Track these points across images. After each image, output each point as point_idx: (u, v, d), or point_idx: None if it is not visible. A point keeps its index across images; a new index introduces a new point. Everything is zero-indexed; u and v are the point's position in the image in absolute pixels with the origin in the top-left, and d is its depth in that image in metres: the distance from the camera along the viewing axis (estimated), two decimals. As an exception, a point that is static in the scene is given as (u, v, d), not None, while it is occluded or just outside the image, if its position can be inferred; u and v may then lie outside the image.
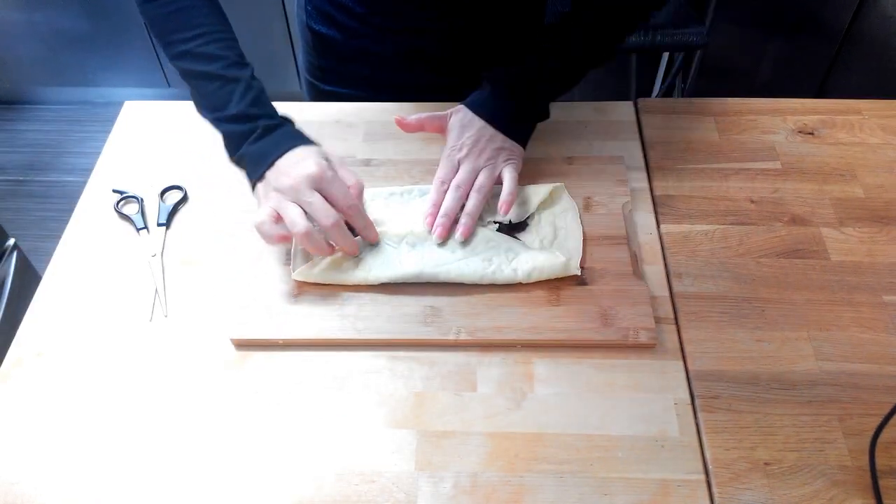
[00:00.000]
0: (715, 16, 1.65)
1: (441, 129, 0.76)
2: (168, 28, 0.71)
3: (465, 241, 0.70)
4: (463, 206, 0.71)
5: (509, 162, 0.73)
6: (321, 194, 0.65)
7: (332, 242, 0.67)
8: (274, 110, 0.71)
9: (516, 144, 0.75)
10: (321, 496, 0.56)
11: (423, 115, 0.76)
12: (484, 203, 0.72)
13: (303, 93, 1.03)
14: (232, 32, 0.73)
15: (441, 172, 0.73)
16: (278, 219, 0.65)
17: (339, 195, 0.66)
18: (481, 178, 0.72)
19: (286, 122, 0.71)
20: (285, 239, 0.65)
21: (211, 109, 0.70)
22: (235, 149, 0.69)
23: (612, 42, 0.78)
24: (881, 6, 1.73)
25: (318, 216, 0.64)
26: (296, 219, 0.63)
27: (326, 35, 0.90)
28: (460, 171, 0.72)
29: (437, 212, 0.71)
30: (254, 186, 0.69)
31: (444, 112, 0.76)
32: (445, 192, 0.72)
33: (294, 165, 0.65)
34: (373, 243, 0.69)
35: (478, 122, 0.74)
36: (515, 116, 0.75)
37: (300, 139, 0.69)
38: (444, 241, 0.70)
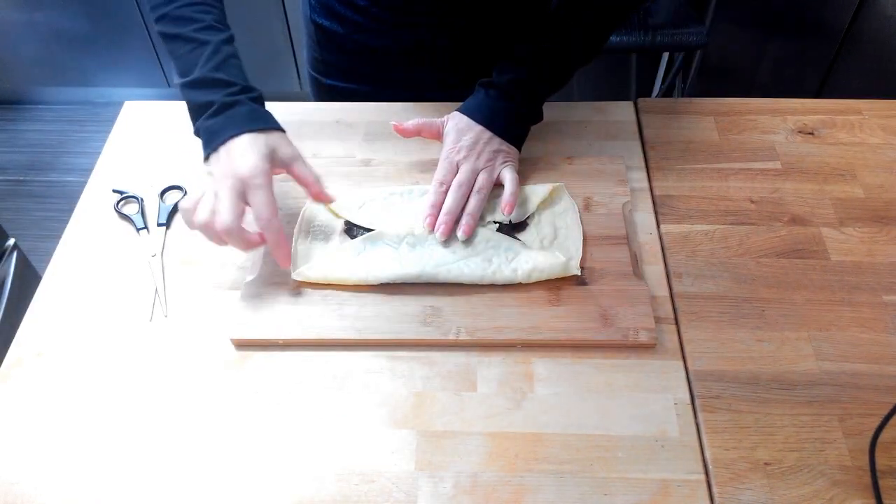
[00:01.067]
0: (715, 16, 1.65)
1: (437, 134, 0.77)
2: None
3: (466, 241, 0.70)
4: (464, 207, 0.71)
5: (507, 164, 0.74)
6: (243, 198, 0.63)
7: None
8: (240, 78, 0.69)
9: (512, 147, 0.76)
10: (321, 496, 0.56)
11: (420, 120, 0.77)
12: (484, 204, 0.72)
13: (306, 88, 1.03)
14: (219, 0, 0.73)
15: (440, 174, 0.73)
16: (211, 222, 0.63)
17: (256, 207, 0.63)
18: (481, 180, 0.72)
19: (248, 96, 0.68)
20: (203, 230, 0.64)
21: (179, 74, 0.69)
22: (193, 121, 0.69)
23: (605, 39, 0.80)
24: (881, 6, 1.73)
25: (215, 218, 0.62)
26: (211, 212, 0.62)
27: (329, 28, 0.90)
28: (460, 172, 0.73)
29: (437, 212, 0.71)
30: (206, 160, 0.68)
31: (440, 119, 0.77)
32: (444, 193, 0.72)
33: (233, 157, 0.64)
34: (281, 266, 0.67)
35: (475, 127, 0.75)
36: (512, 120, 0.76)
37: (255, 121, 0.67)
38: (446, 239, 0.70)
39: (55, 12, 1.99)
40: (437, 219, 0.71)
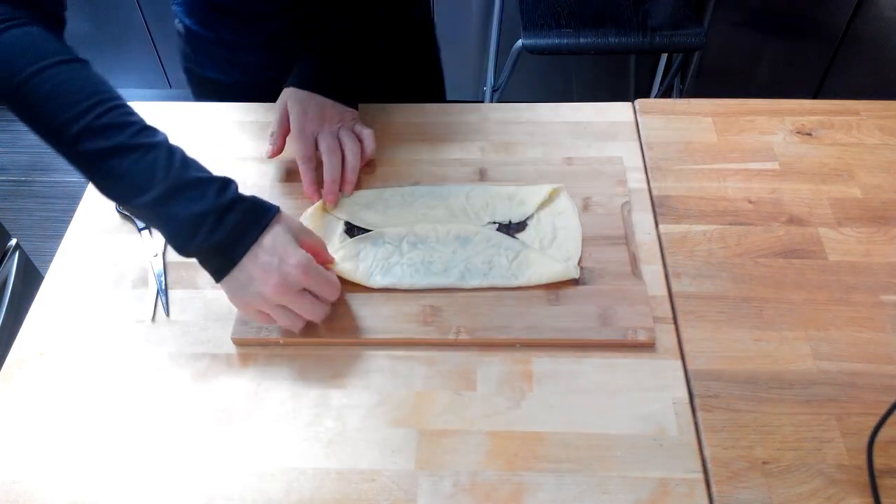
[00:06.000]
0: (713, 17, 1.66)
1: (284, 119, 0.76)
2: (52, 109, 0.57)
3: (466, 241, 0.70)
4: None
5: (356, 121, 0.77)
6: (305, 288, 0.61)
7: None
8: (207, 170, 0.60)
9: (350, 108, 0.79)
10: (321, 495, 0.56)
11: (271, 130, 0.76)
12: (359, 158, 0.76)
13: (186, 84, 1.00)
14: (121, 95, 0.61)
15: (301, 150, 0.74)
16: (269, 319, 0.61)
17: (324, 294, 0.62)
18: (346, 139, 0.75)
19: (234, 190, 0.60)
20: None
21: (134, 192, 0.57)
22: (183, 241, 0.58)
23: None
24: (879, 7, 1.74)
25: (310, 318, 0.62)
26: (290, 324, 0.62)
27: (190, 27, 0.89)
28: (322, 139, 0.75)
29: (316, 188, 0.73)
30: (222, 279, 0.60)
31: (278, 104, 0.77)
32: (314, 167, 0.74)
33: (270, 269, 0.58)
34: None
35: (315, 97, 0.76)
36: (340, 82, 0.78)
37: (262, 214, 0.60)
38: (334, 206, 0.73)
39: (56, 13, 2.00)
40: (319, 192, 0.73)
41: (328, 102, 0.77)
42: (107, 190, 0.59)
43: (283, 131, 0.77)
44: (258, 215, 0.60)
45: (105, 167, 0.57)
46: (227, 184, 0.60)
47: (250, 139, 0.84)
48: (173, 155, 0.58)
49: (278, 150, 0.77)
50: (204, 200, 0.58)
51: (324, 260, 0.65)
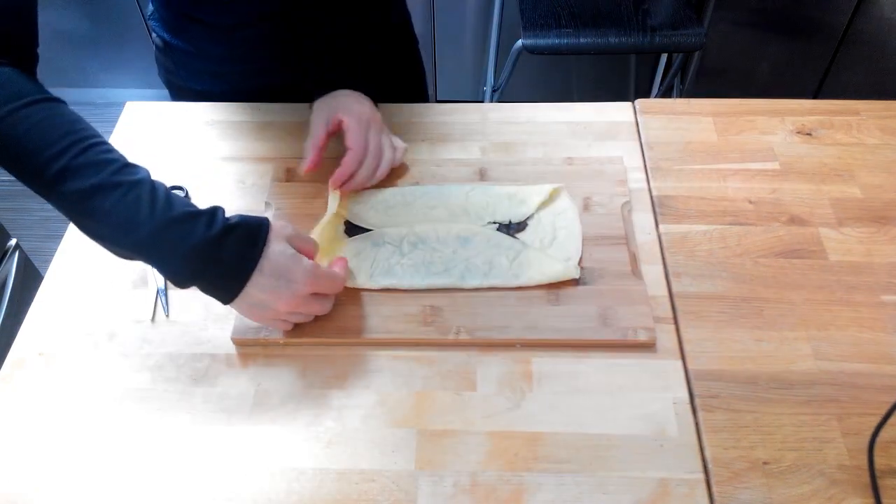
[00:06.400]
0: (713, 17, 1.66)
1: (323, 133, 0.75)
2: (28, 151, 0.55)
3: (466, 241, 0.70)
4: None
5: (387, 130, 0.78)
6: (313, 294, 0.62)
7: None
8: (193, 205, 0.59)
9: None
10: (321, 494, 0.56)
11: (310, 147, 0.75)
12: None
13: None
14: (98, 133, 0.59)
15: (355, 141, 0.74)
16: (285, 324, 0.64)
17: (332, 291, 0.65)
18: (387, 149, 0.76)
19: (223, 216, 0.59)
20: None
21: (120, 231, 0.55)
22: (180, 277, 0.57)
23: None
24: (879, 7, 1.74)
25: (320, 313, 0.65)
26: (302, 321, 0.65)
27: (170, 41, 0.88)
28: (374, 137, 0.75)
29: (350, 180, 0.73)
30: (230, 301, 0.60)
31: (315, 119, 0.76)
32: (361, 162, 0.74)
33: (278, 291, 0.59)
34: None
35: (362, 97, 0.77)
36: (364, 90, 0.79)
37: (256, 236, 0.59)
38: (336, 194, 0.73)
39: (56, 13, 2.00)
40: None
41: (371, 104, 0.77)
42: (91, 232, 0.57)
43: (323, 144, 0.75)
44: (252, 239, 0.59)
45: (87, 208, 0.55)
46: (213, 213, 0.58)
47: (248, 139, 0.84)
48: (156, 191, 0.57)
49: (315, 164, 0.75)
50: (194, 234, 0.56)
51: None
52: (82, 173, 0.55)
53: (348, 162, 0.73)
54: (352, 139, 0.73)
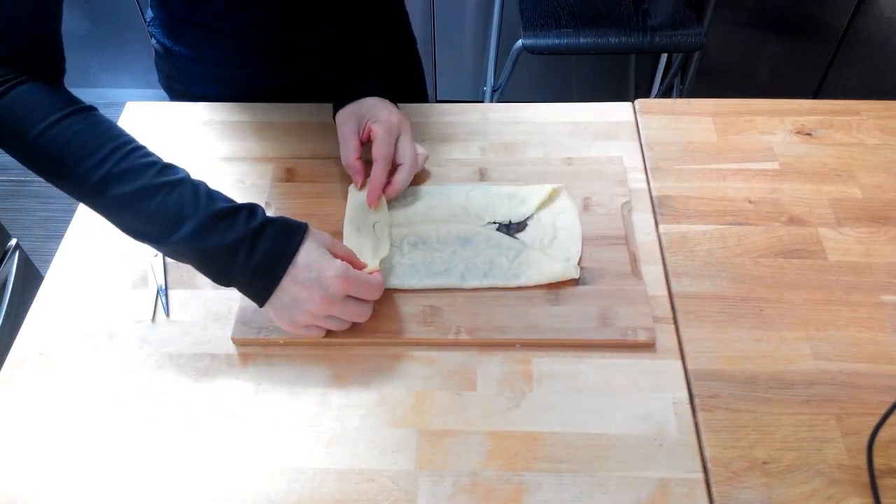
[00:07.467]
0: (713, 17, 1.65)
1: (357, 142, 0.75)
2: (70, 162, 0.58)
3: (467, 241, 0.70)
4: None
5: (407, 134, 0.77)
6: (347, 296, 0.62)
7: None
8: (233, 200, 0.61)
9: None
10: (321, 494, 0.56)
11: (351, 161, 0.74)
12: None
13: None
14: (134, 138, 0.62)
15: (384, 151, 0.73)
16: (318, 330, 0.64)
17: (368, 296, 0.63)
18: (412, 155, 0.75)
19: (262, 213, 0.61)
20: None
21: (166, 230, 0.58)
22: (221, 271, 0.60)
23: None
24: (879, 7, 1.74)
25: (356, 320, 0.64)
26: (338, 327, 0.64)
27: (170, 48, 0.88)
28: (408, 145, 0.74)
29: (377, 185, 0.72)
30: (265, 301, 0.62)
31: (344, 132, 0.75)
32: (388, 172, 0.73)
33: (311, 286, 0.59)
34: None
35: (388, 104, 0.76)
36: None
37: (293, 232, 0.61)
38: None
39: (56, 13, 2.00)
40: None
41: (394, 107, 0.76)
42: (138, 233, 0.60)
43: (360, 154, 0.75)
44: (290, 235, 0.60)
45: (133, 211, 0.58)
46: (254, 209, 0.61)
47: (247, 139, 0.84)
48: (198, 189, 0.59)
49: (364, 174, 0.74)
50: (235, 229, 0.58)
51: (358, 266, 0.65)
52: (125, 178, 0.58)
53: (377, 175, 0.72)
54: (379, 149, 0.73)
